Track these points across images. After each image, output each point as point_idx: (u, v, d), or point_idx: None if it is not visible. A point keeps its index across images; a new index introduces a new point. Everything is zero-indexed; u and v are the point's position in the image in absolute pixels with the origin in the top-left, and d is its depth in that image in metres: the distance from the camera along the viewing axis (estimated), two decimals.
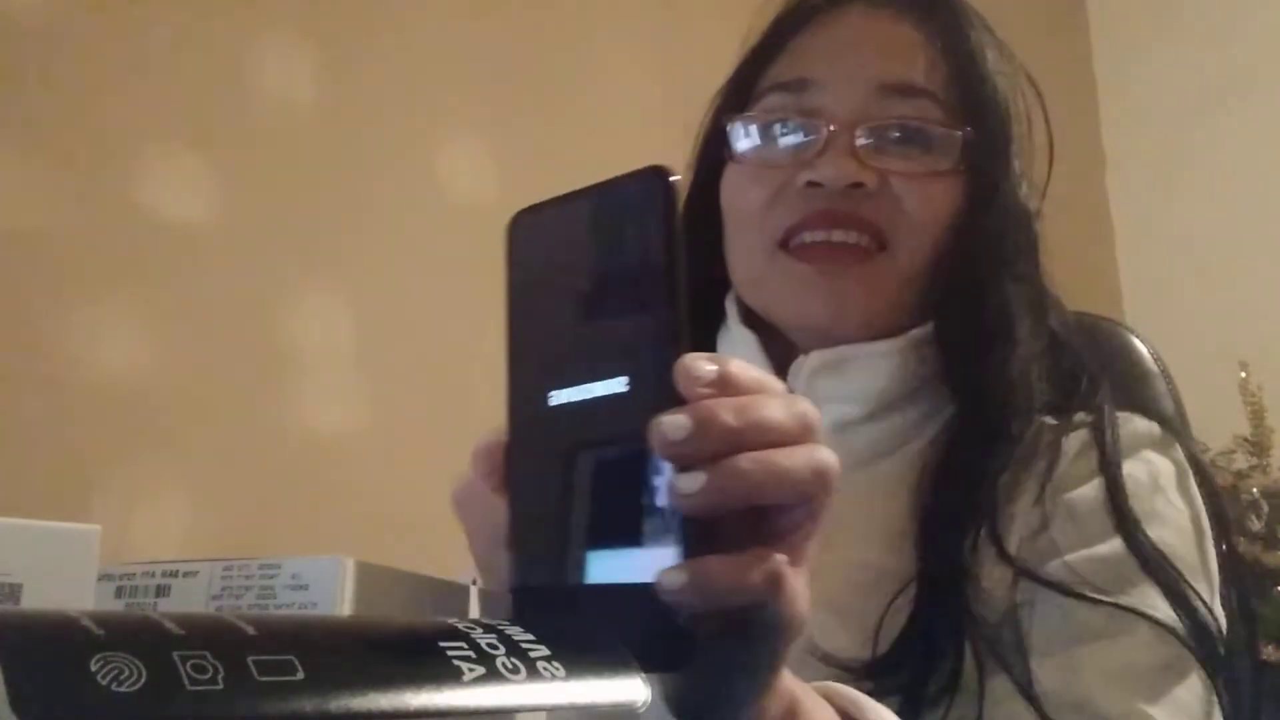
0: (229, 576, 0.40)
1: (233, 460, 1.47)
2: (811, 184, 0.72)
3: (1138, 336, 0.92)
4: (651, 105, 1.82)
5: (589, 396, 0.39)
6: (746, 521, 0.37)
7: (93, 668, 0.25)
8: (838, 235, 0.72)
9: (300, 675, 0.28)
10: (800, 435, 0.38)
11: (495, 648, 0.33)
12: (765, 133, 0.75)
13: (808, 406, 0.39)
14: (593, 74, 1.90)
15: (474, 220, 1.76)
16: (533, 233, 0.43)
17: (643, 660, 0.35)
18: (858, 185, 0.71)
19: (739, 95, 0.80)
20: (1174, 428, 0.78)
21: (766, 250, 0.74)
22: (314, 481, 1.52)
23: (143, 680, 0.25)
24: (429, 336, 1.66)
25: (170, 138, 1.49)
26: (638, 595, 0.36)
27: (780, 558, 0.37)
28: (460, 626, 0.33)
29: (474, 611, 0.43)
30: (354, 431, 1.59)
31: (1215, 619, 0.66)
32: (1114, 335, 0.93)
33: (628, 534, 0.37)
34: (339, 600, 0.37)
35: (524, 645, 0.33)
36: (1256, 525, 1.97)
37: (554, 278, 0.41)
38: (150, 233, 1.45)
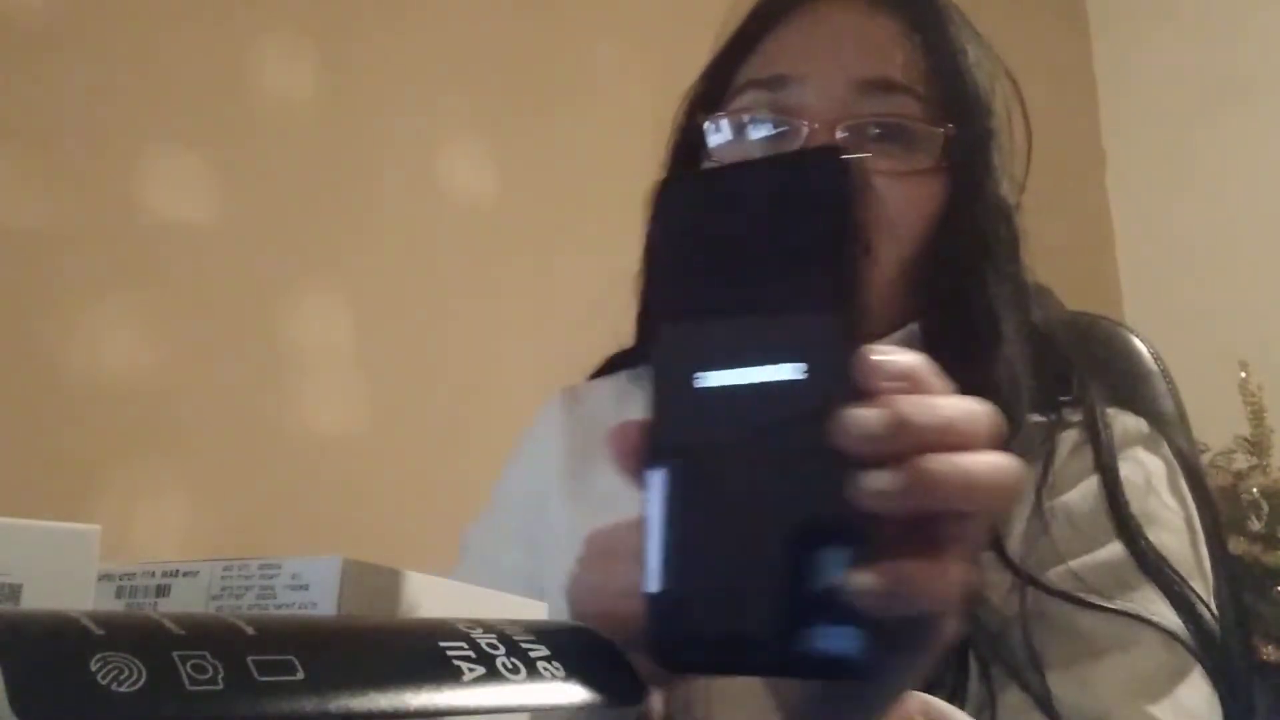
0: (229, 576, 0.40)
1: (233, 460, 1.47)
2: None
3: (1138, 336, 0.92)
4: (651, 106, 1.82)
5: (748, 381, 0.36)
6: (914, 527, 0.35)
7: (93, 668, 0.24)
8: None
9: (300, 675, 0.28)
10: (985, 440, 0.36)
11: (495, 648, 0.33)
12: (741, 131, 0.74)
13: (989, 409, 0.37)
14: (593, 74, 1.90)
15: (474, 220, 1.76)
16: (687, 202, 0.40)
17: (815, 665, 0.34)
18: None
19: (714, 91, 0.78)
20: (1165, 424, 0.78)
21: None
22: (314, 481, 1.52)
23: (143, 680, 0.25)
24: (429, 336, 1.66)
25: (170, 138, 1.49)
26: (807, 596, 0.34)
27: (965, 568, 0.36)
28: (460, 626, 0.33)
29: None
30: (354, 431, 1.59)
31: (1214, 619, 0.66)
32: (1114, 335, 0.92)
33: (790, 529, 0.35)
34: (339, 600, 0.37)
35: (524, 645, 0.33)
36: (1256, 525, 1.97)
37: (712, 252, 0.39)
38: (150, 233, 1.45)
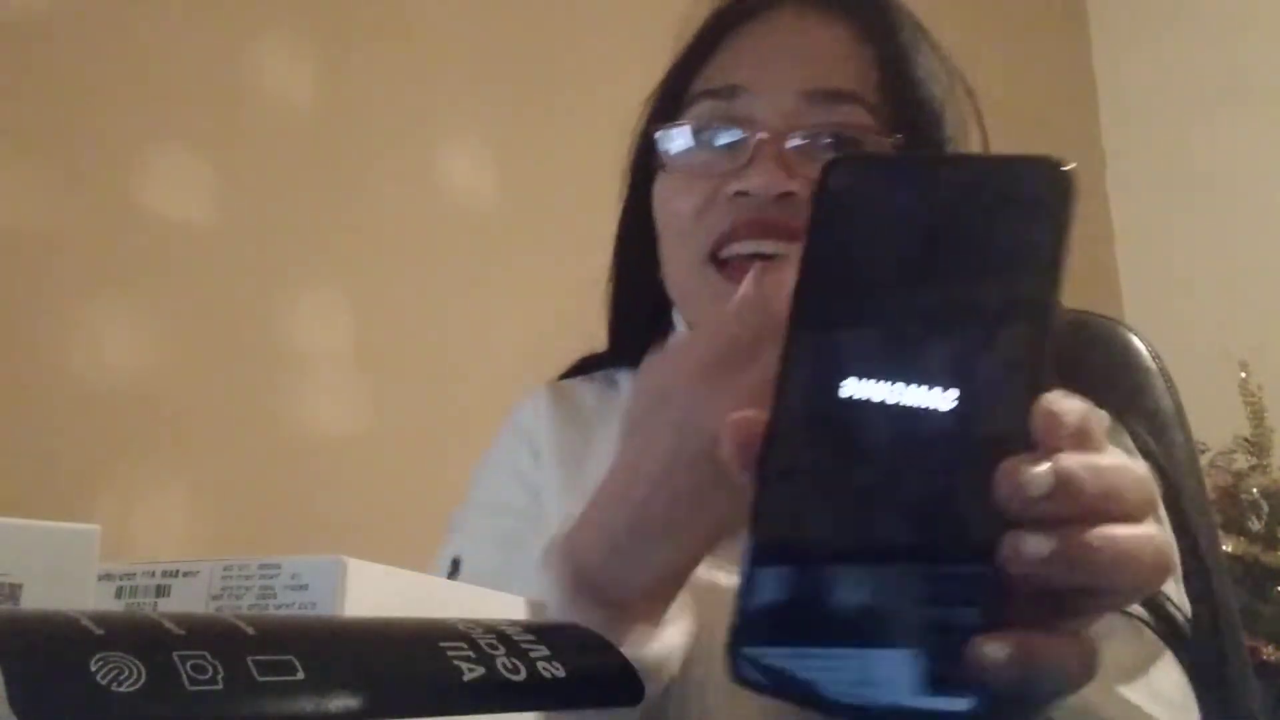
0: (229, 576, 0.40)
1: (233, 460, 1.47)
2: (740, 193, 0.71)
3: (1137, 335, 0.92)
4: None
5: (901, 401, 0.32)
6: (1052, 593, 0.32)
7: (92, 668, 0.24)
8: (767, 246, 0.70)
9: (300, 675, 0.28)
10: (1143, 512, 0.34)
11: (495, 648, 0.33)
12: (694, 141, 0.74)
13: (1149, 475, 0.35)
14: (593, 74, 1.90)
15: (473, 220, 1.76)
16: (861, 189, 0.36)
17: None
18: (786, 195, 0.70)
19: (670, 101, 0.78)
20: (1164, 423, 0.78)
21: (696, 263, 0.73)
22: (314, 481, 1.52)
23: (142, 680, 0.25)
24: (429, 336, 1.66)
25: (170, 138, 1.49)
26: (922, 648, 0.31)
27: (1094, 644, 0.33)
28: (460, 626, 0.33)
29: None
30: (354, 431, 1.59)
31: (1181, 610, 0.67)
32: (1113, 334, 0.93)
33: (916, 572, 0.32)
34: (339, 600, 0.37)
35: (524, 645, 0.33)
36: (1256, 525, 1.97)
37: (882, 249, 0.35)
38: (150, 233, 1.45)
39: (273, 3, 1.62)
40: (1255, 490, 2.01)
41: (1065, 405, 0.32)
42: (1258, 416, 2.12)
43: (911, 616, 0.31)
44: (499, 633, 0.34)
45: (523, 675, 0.32)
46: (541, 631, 0.35)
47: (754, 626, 0.33)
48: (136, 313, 1.43)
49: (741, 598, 0.33)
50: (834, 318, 0.35)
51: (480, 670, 0.31)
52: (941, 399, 0.32)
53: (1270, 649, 1.84)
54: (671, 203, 0.75)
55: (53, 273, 1.37)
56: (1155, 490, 0.34)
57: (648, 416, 0.52)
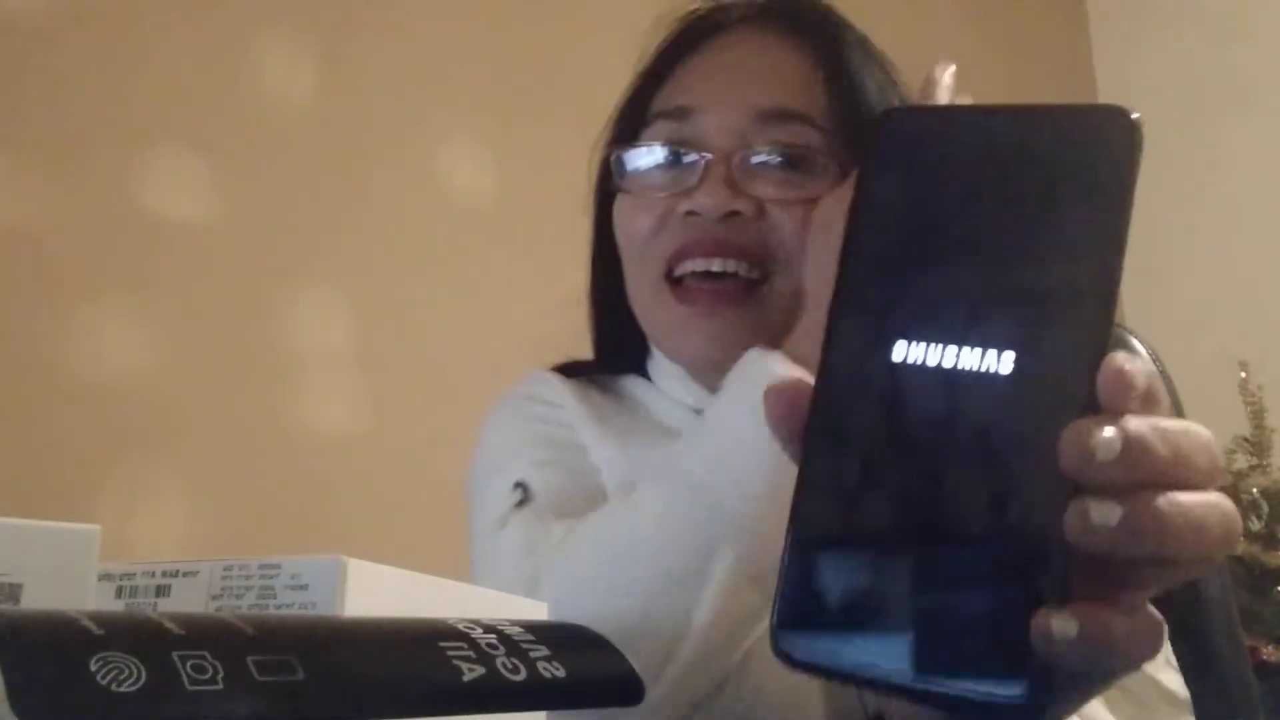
0: (229, 576, 0.40)
1: (233, 460, 1.47)
2: (690, 213, 0.72)
3: (1134, 335, 0.92)
4: None
5: (958, 363, 0.30)
6: (1119, 566, 0.31)
7: (93, 668, 0.24)
8: (716, 264, 0.71)
9: (300, 675, 0.28)
10: (1211, 479, 0.32)
11: (495, 648, 0.33)
12: (649, 162, 0.76)
13: (1213, 441, 0.33)
14: (593, 74, 1.89)
15: (473, 220, 1.76)
16: (916, 139, 0.34)
17: (971, 704, 0.29)
18: (734, 214, 0.71)
19: (629, 123, 0.80)
20: None
21: (653, 282, 0.74)
22: (314, 481, 1.52)
23: (142, 680, 0.25)
24: (429, 336, 1.66)
25: (170, 138, 1.49)
26: (981, 624, 0.29)
27: (1159, 619, 0.32)
28: (460, 626, 0.33)
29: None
30: (354, 432, 1.59)
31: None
32: (1113, 335, 0.93)
33: (975, 544, 0.30)
34: (339, 600, 0.37)
35: (524, 645, 0.33)
36: (1256, 525, 1.97)
37: (936, 203, 0.33)
38: (150, 233, 1.45)
39: (273, 2, 1.62)
40: (1255, 490, 2.01)
41: (1134, 366, 0.31)
42: (1258, 416, 2.12)
43: (966, 593, 0.30)
44: (499, 633, 0.34)
45: (523, 675, 0.32)
46: (541, 631, 0.35)
47: (799, 603, 0.31)
48: (136, 313, 1.43)
49: (786, 573, 0.32)
50: (885, 276, 0.33)
51: (480, 670, 0.31)
52: (1000, 361, 0.30)
53: (1270, 649, 1.84)
54: (629, 223, 0.76)
55: (53, 273, 1.37)
56: (1221, 457, 0.33)
57: None
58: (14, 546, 0.35)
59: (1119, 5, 2.85)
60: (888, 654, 0.30)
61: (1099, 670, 0.30)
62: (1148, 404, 0.31)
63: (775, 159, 0.72)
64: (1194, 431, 0.32)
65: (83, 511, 1.31)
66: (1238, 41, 2.60)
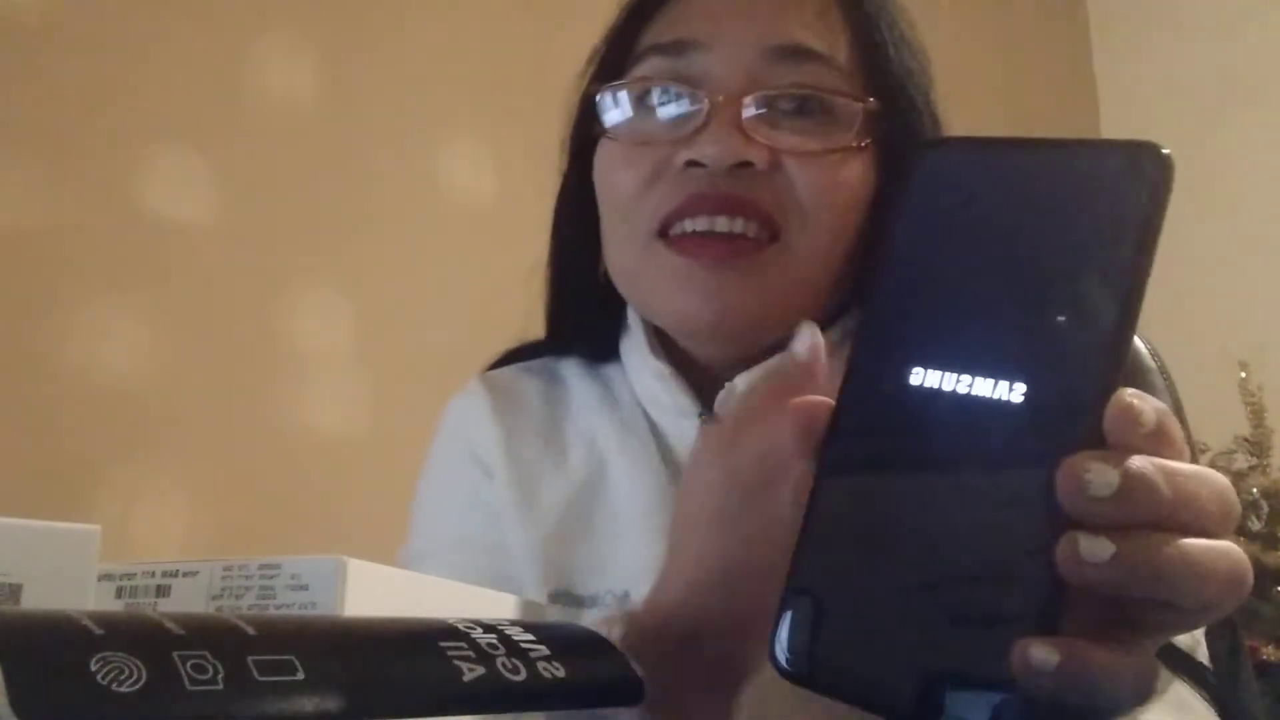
0: (229, 576, 0.40)
1: (233, 460, 1.47)
2: (691, 163, 0.62)
3: (1138, 336, 0.92)
4: None
5: (970, 390, 0.31)
6: (1111, 604, 0.30)
7: (93, 668, 0.24)
8: (721, 224, 0.61)
9: (300, 675, 0.28)
10: (1221, 527, 0.31)
11: (495, 648, 0.33)
12: (639, 104, 0.65)
13: (1230, 488, 0.32)
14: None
15: (474, 220, 1.76)
16: (952, 172, 0.35)
17: None
18: (745, 165, 0.61)
19: (613, 61, 0.69)
20: None
21: (642, 240, 0.64)
22: (314, 481, 1.52)
23: (143, 680, 0.25)
24: (429, 336, 1.66)
25: (170, 138, 1.49)
26: (969, 651, 0.30)
27: (1154, 664, 0.31)
28: (460, 626, 0.33)
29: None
30: (354, 431, 1.59)
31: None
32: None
33: (970, 569, 0.30)
34: (339, 600, 0.37)
35: (524, 645, 0.33)
36: (1256, 525, 1.97)
37: (966, 234, 0.33)
38: (150, 233, 1.45)
39: (273, 3, 1.62)
40: (1255, 490, 2.01)
41: (1143, 404, 0.30)
42: (1258, 416, 2.13)
43: (964, 618, 0.30)
44: (499, 633, 0.33)
45: (523, 675, 0.32)
46: (541, 631, 0.35)
47: (802, 622, 0.32)
48: (136, 313, 1.43)
49: (790, 592, 0.33)
50: (911, 303, 0.34)
51: (480, 670, 0.31)
52: (1012, 392, 0.31)
53: (1270, 649, 1.84)
54: (614, 175, 0.66)
55: (53, 273, 1.37)
56: (1237, 504, 0.32)
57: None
58: (14, 546, 0.35)
59: (1119, 5, 2.85)
60: (887, 674, 0.31)
61: (1083, 708, 0.30)
62: (1158, 442, 0.30)
63: (791, 103, 0.63)
64: (1205, 476, 0.31)
65: (83, 511, 1.31)
66: (1237, 42, 2.60)
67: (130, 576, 0.42)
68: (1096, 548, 0.29)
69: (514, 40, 1.86)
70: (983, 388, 0.31)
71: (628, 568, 0.65)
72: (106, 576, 0.42)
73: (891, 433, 0.33)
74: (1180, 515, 0.30)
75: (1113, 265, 0.30)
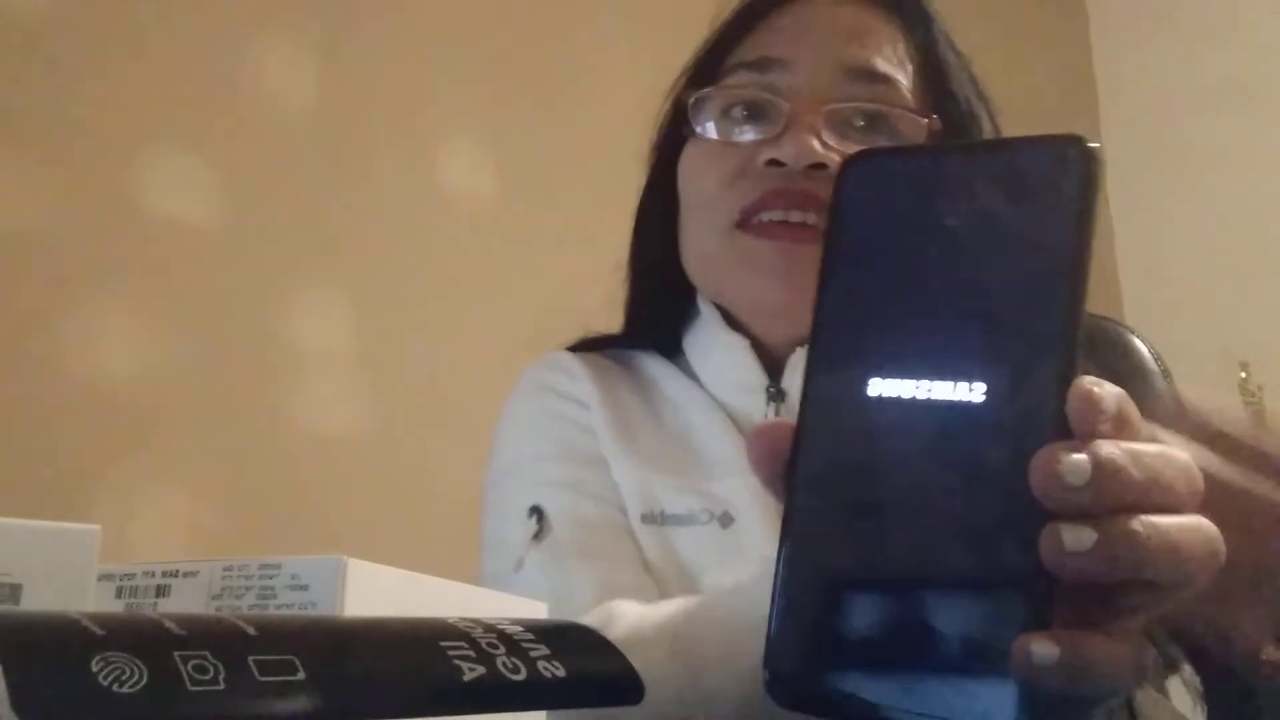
0: (229, 576, 0.40)
1: (233, 460, 1.47)
2: (771, 162, 0.70)
3: (1137, 336, 0.92)
4: (651, 105, 1.82)
5: (931, 396, 0.31)
6: (1096, 591, 0.31)
7: (94, 668, 0.24)
8: (795, 215, 0.69)
9: (301, 675, 0.28)
10: (1190, 501, 0.32)
11: (495, 647, 0.33)
12: (726, 110, 0.74)
13: (1192, 464, 0.33)
14: (592, 73, 1.89)
15: (474, 220, 1.76)
16: (879, 183, 0.35)
17: None
18: (819, 166, 0.69)
19: (703, 74, 0.78)
20: None
21: (722, 230, 0.72)
22: (314, 481, 1.52)
23: (144, 681, 0.25)
24: (429, 336, 1.66)
25: (170, 138, 1.49)
26: (963, 655, 0.30)
27: (1145, 645, 0.31)
28: (460, 626, 0.33)
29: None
30: (354, 431, 1.59)
31: None
32: (1115, 335, 0.93)
33: (955, 574, 0.30)
34: (339, 600, 0.37)
35: (524, 644, 0.33)
36: None
37: (905, 242, 0.33)
38: (150, 233, 1.45)
39: (273, 2, 1.62)
40: None
41: (1102, 390, 0.31)
42: (1258, 417, 2.12)
43: (953, 623, 0.30)
44: (499, 632, 0.33)
45: (523, 675, 0.32)
46: (541, 631, 0.35)
47: (790, 642, 0.32)
48: (136, 313, 1.43)
49: (776, 612, 0.32)
50: (859, 316, 0.34)
51: (481, 670, 0.31)
52: (972, 392, 0.31)
53: (1270, 649, 1.83)
54: (700, 171, 0.74)
55: (53, 273, 1.37)
56: (1200, 479, 0.33)
57: None
58: (14, 546, 0.35)
59: (1119, 5, 2.85)
60: (880, 688, 0.31)
61: (1083, 695, 0.30)
62: (1120, 427, 0.31)
63: (862, 119, 0.71)
64: (1170, 455, 0.32)
65: (83, 511, 1.31)
66: (1237, 41, 2.60)
67: (130, 576, 0.42)
68: (1079, 536, 0.29)
69: (514, 40, 1.86)
70: (943, 391, 0.31)
71: (724, 496, 0.69)
72: (106, 576, 0.42)
73: (858, 447, 0.33)
74: (1152, 495, 0.31)
75: (1054, 257, 0.31)
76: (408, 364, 1.64)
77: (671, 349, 0.80)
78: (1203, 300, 2.50)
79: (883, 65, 0.72)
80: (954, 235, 0.33)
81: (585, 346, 0.84)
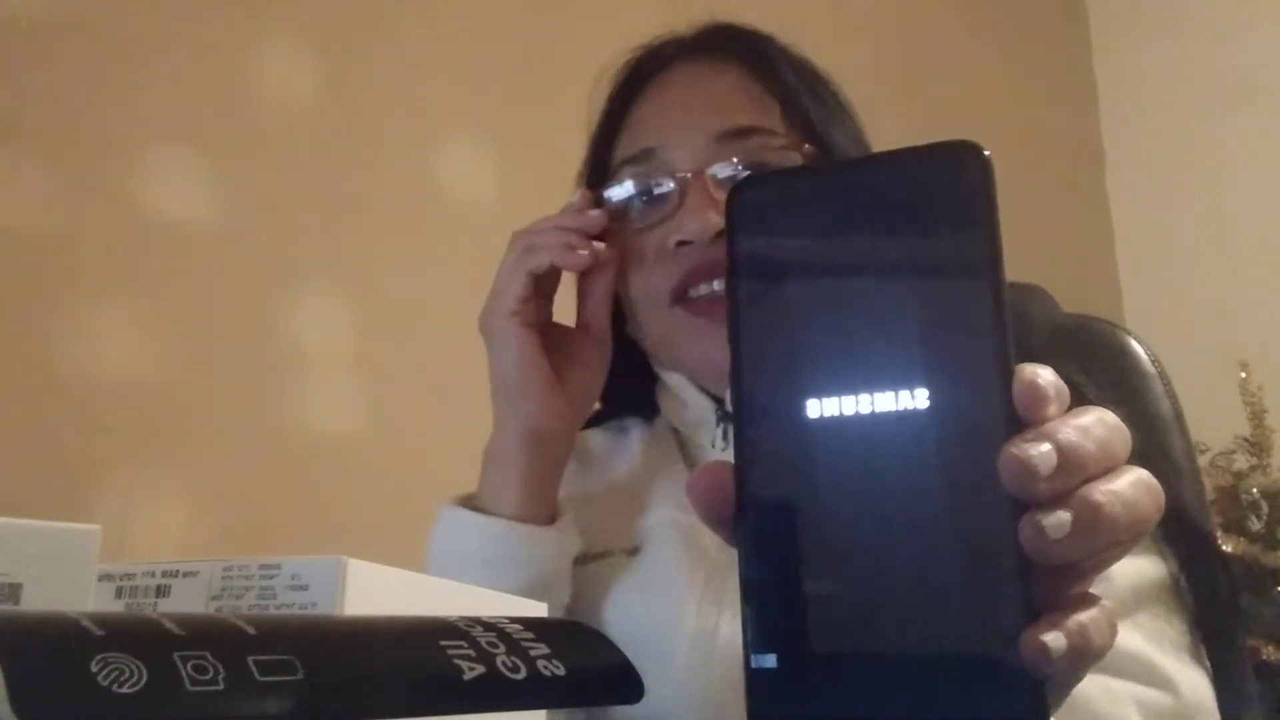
0: (229, 576, 0.40)
1: (233, 460, 1.47)
2: (681, 243, 0.75)
3: (1134, 338, 0.92)
4: None
5: (873, 410, 0.31)
6: (1069, 568, 0.31)
7: (93, 668, 0.24)
8: (719, 284, 0.74)
9: (300, 675, 0.28)
10: (1125, 456, 0.33)
11: (495, 646, 0.33)
12: (626, 210, 0.79)
13: (1117, 419, 0.33)
14: (592, 74, 1.89)
15: (473, 220, 1.76)
16: (771, 207, 0.34)
17: None
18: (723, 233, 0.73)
19: (598, 174, 0.84)
20: (1162, 426, 0.82)
21: (663, 310, 0.77)
22: (314, 481, 1.52)
23: (143, 681, 0.25)
24: (429, 336, 1.66)
25: (170, 138, 1.49)
26: (969, 665, 0.29)
27: (1110, 605, 0.32)
28: (460, 625, 0.33)
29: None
30: (354, 431, 1.59)
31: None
32: (1112, 337, 0.93)
33: (940, 586, 0.30)
34: (339, 600, 0.37)
35: (524, 644, 0.33)
36: (1256, 525, 1.97)
37: (811, 263, 0.33)
38: (150, 233, 1.45)
39: (273, 2, 1.62)
40: (1255, 490, 2.01)
41: (1041, 374, 0.31)
42: (1258, 416, 2.13)
43: (943, 631, 0.29)
44: (499, 631, 0.34)
45: (523, 674, 0.32)
46: (541, 630, 0.35)
47: (782, 699, 0.31)
48: (136, 313, 1.43)
49: (752, 649, 0.31)
50: (779, 343, 0.32)
51: (480, 669, 0.31)
52: (915, 399, 0.30)
53: (1270, 649, 1.84)
54: (627, 262, 0.79)
55: (53, 273, 1.37)
56: (1128, 431, 0.33)
57: None
58: (14, 546, 0.35)
59: (1119, 5, 2.85)
60: (879, 706, 0.30)
61: (1079, 670, 0.31)
62: (1062, 405, 0.32)
63: (747, 170, 0.75)
64: (1107, 419, 0.33)
65: (83, 511, 1.31)
66: (1237, 42, 2.60)
67: (130, 576, 0.42)
68: (1059, 520, 0.29)
69: (515, 40, 1.86)
70: (885, 403, 0.31)
71: (646, 528, 0.78)
72: (106, 576, 0.42)
73: (806, 471, 0.32)
74: (1102, 462, 0.32)
75: (971, 258, 0.31)
76: (408, 364, 1.64)
77: (652, 412, 0.87)
78: (1203, 300, 2.50)
79: (747, 120, 0.76)
80: (862, 250, 0.32)
81: (595, 421, 0.91)
